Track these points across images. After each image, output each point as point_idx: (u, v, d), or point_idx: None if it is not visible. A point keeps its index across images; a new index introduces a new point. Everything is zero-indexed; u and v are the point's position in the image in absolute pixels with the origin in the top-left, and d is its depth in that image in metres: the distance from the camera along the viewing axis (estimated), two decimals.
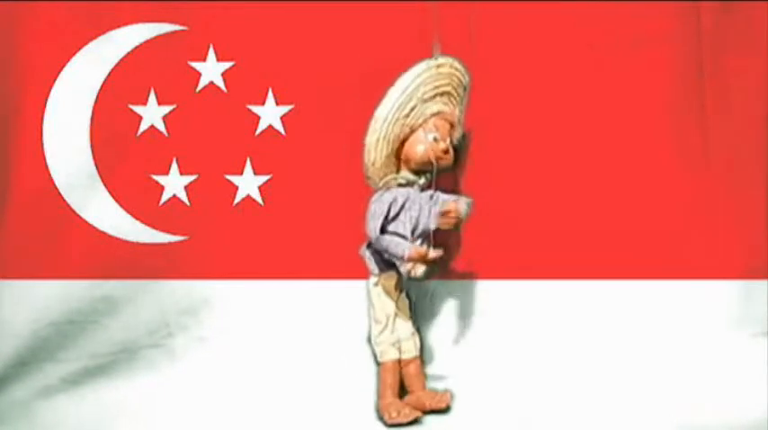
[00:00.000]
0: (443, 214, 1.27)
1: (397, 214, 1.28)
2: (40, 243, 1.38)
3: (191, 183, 1.41)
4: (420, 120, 1.28)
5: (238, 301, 1.41)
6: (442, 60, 1.28)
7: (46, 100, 1.37)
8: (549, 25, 1.40)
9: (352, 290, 1.39)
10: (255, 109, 1.40)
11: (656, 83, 1.41)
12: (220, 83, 1.40)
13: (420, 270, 1.26)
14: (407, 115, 1.27)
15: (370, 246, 1.31)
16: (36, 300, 1.36)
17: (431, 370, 1.37)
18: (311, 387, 1.35)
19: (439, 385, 1.34)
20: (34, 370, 1.36)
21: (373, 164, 1.28)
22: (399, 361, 1.32)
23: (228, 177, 1.41)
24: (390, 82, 1.29)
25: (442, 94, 1.29)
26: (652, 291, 1.39)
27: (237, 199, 1.42)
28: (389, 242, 1.27)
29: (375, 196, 1.30)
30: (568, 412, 1.27)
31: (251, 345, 1.40)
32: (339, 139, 1.39)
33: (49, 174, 1.38)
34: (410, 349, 1.33)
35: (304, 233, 1.40)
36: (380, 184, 1.30)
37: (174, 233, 1.41)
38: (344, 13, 1.38)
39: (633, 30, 1.40)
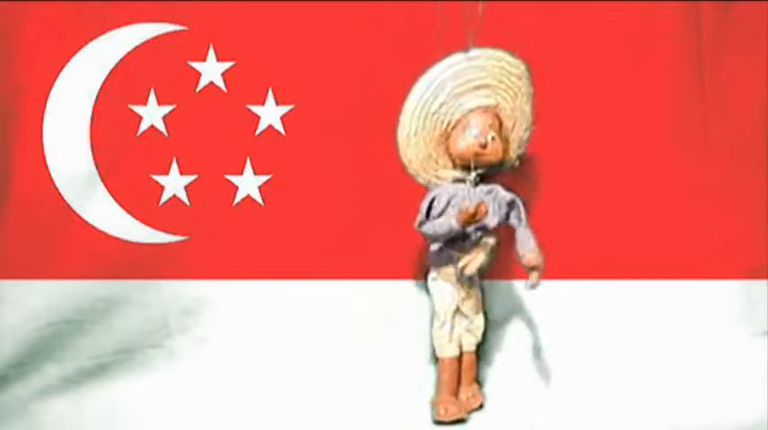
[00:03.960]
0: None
1: (443, 211, 1.24)
2: (40, 243, 1.37)
3: (191, 183, 1.41)
4: (457, 116, 1.24)
5: (238, 301, 1.41)
6: (475, 53, 1.23)
7: (46, 100, 1.37)
8: (548, 26, 1.40)
9: (352, 290, 1.39)
10: (255, 109, 1.40)
11: (657, 83, 1.41)
12: (220, 83, 1.40)
13: (473, 267, 1.25)
14: (436, 111, 1.23)
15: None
16: (36, 300, 1.36)
17: None
18: (311, 387, 1.35)
19: None
20: (33, 370, 1.35)
21: (411, 162, 1.26)
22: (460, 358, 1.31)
23: (228, 177, 1.41)
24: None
25: (478, 87, 1.24)
26: (652, 290, 1.39)
27: (237, 199, 1.42)
28: (432, 225, 1.23)
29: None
30: (568, 411, 1.27)
31: (251, 346, 1.40)
32: (339, 139, 1.39)
33: (49, 174, 1.37)
34: (468, 342, 1.32)
35: (304, 233, 1.40)
36: (430, 181, 1.27)
37: (174, 233, 1.40)
38: (345, 12, 1.37)
39: (633, 30, 1.40)
